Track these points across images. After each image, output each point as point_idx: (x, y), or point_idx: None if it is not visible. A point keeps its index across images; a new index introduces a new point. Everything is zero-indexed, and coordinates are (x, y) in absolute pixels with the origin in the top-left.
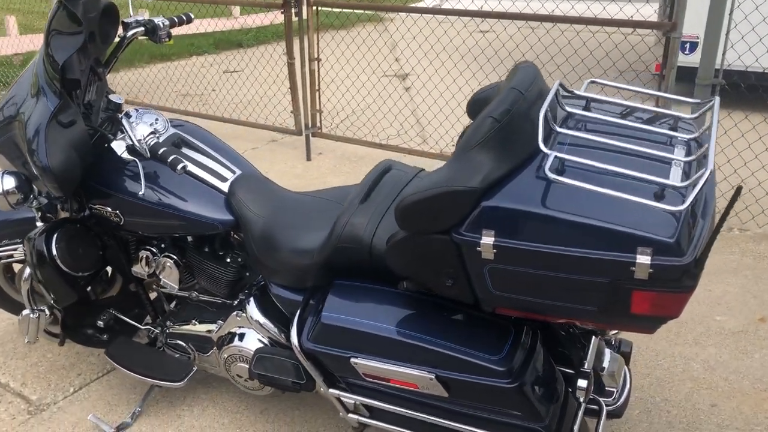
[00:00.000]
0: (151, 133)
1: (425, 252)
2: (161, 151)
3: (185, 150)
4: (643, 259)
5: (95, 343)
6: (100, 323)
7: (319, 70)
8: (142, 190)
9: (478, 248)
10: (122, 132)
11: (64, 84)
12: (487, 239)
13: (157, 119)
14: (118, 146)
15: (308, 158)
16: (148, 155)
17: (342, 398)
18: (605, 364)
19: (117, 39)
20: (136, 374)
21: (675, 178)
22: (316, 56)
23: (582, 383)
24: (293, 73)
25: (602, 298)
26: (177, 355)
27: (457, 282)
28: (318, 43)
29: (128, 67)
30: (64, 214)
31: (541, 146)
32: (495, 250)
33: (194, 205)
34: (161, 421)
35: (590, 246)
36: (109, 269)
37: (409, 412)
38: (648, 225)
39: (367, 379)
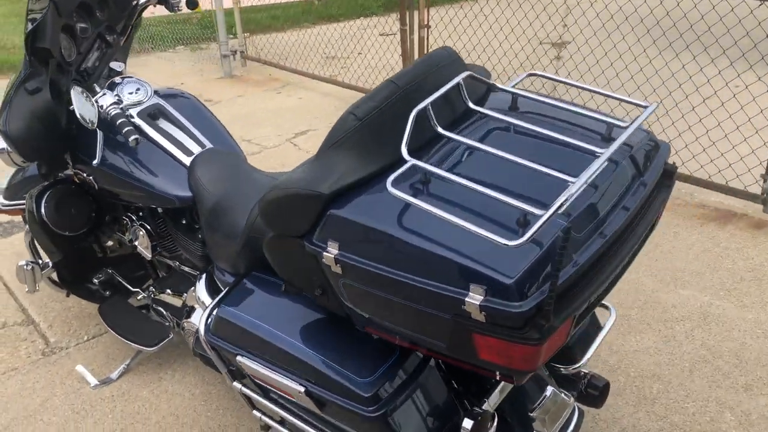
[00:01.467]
0: (114, 103)
1: (291, 256)
2: (118, 121)
3: (159, 121)
4: (474, 298)
5: (95, 299)
6: (96, 281)
7: (428, 38)
8: (97, 159)
9: (323, 260)
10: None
11: (33, 52)
12: (332, 251)
13: (138, 89)
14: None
15: None
16: (93, 126)
17: (244, 393)
18: (537, 404)
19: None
20: (117, 334)
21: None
22: (426, 23)
23: (467, 424)
24: (405, 40)
25: (447, 336)
26: (158, 322)
27: (324, 293)
28: (428, 10)
29: (293, 27)
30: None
31: (403, 152)
32: (338, 264)
33: (153, 178)
34: (141, 381)
35: (429, 275)
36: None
37: (293, 420)
38: (493, 258)
39: (255, 379)
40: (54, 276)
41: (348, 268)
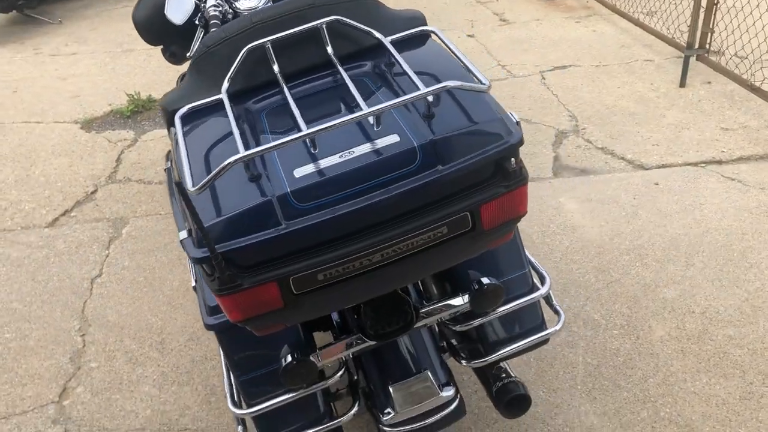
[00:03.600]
0: (215, 5)
1: None
2: (211, 22)
3: None
4: (181, 235)
5: None
6: None
7: None
8: (190, 52)
9: None
10: None
11: None
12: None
13: None
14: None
15: (682, 84)
16: (177, 22)
17: None
18: (401, 380)
19: None
20: None
21: None
22: None
23: (283, 362)
24: None
25: None
26: None
27: None
28: None
29: None
30: None
31: (224, 86)
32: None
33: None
34: None
35: None
36: None
37: None
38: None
39: None
40: None
41: None
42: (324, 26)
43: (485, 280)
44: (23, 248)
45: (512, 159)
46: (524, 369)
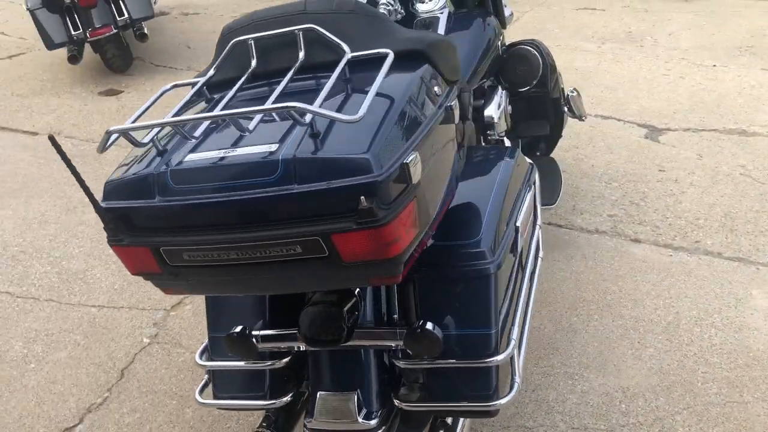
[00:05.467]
0: (386, 3)
1: None
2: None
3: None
4: None
5: None
6: None
7: None
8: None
9: None
10: None
11: None
12: None
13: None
14: None
15: None
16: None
17: None
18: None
19: None
20: None
21: None
22: None
23: None
24: None
25: None
26: None
27: None
28: None
29: None
30: None
31: (210, 71)
32: None
33: None
34: None
35: None
36: None
37: None
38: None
39: None
40: None
41: None
42: (300, 33)
43: (428, 326)
44: None
45: (362, 198)
46: None
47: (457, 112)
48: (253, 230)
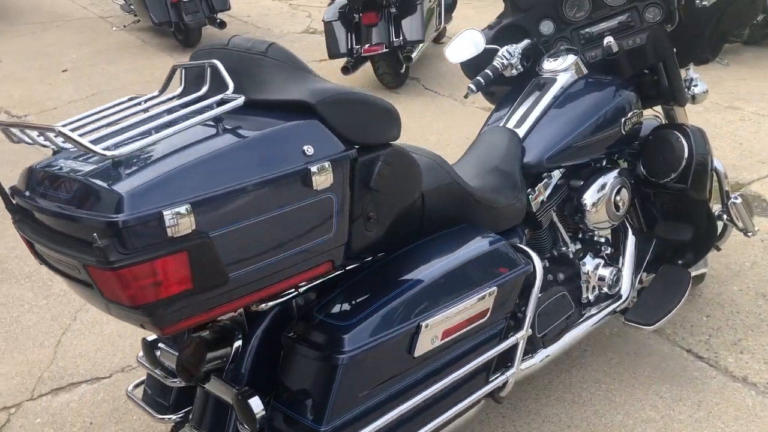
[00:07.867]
0: (507, 61)
1: None
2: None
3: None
4: None
5: None
6: None
7: None
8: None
9: None
10: None
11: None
12: None
13: (561, 62)
14: None
15: None
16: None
17: None
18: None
19: None
20: None
21: None
22: None
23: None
24: None
25: None
26: None
27: None
28: None
29: None
30: None
31: (151, 93)
32: None
33: None
34: None
35: None
36: None
37: None
38: None
39: None
40: None
41: None
42: (208, 66)
43: (251, 399)
44: None
45: (95, 234)
46: None
47: (329, 177)
48: (50, 241)
